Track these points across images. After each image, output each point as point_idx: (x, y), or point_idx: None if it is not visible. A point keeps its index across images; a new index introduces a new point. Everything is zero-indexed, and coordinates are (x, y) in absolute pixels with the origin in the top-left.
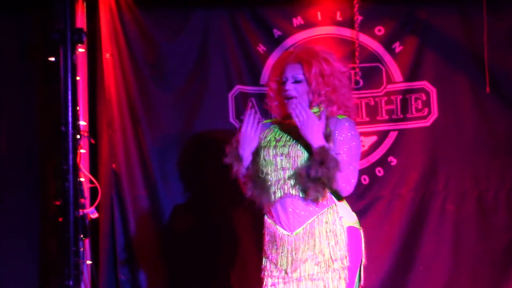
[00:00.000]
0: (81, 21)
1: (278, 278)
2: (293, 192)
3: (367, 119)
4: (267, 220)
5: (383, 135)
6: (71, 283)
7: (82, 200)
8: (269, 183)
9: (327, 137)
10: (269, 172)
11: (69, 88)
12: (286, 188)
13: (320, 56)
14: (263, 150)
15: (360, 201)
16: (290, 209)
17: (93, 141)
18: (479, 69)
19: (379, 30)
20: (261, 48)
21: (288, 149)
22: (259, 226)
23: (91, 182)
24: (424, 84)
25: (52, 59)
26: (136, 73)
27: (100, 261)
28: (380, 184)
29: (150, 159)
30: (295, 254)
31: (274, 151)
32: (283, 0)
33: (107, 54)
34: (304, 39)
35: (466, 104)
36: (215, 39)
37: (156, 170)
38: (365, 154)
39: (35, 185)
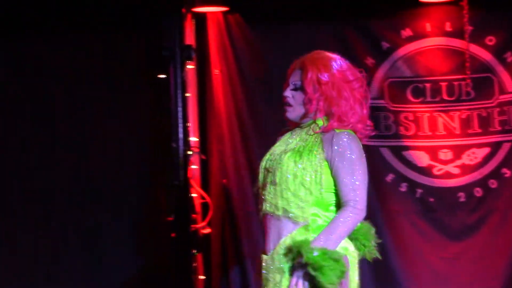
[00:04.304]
0: (189, 38)
1: None
2: (269, 209)
3: (480, 130)
4: None
5: (496, 147)
6: None
7: (194, 215)
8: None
9: None
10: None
11: (179, 104)
12: (264, 204)
13: (320, 62)
14: None
15: (473, 214)
16: (268, 228)
17: (203, 157)
18: None
19: (490, 40)
20: (370, 60)
21: (272, 163)
22: None
23: (202, 197)
24: None
25: (163, 76)
26: (244, 89)
27: (212, 276)
28: (493, 196)
29: None
30: (268, 275)
31: (263, 163)
32: (390, 13)
33: (216, 70)
34: (413, 50)
35: None
36: None
37: None
38: (477, 166)
39: (144, 200)
